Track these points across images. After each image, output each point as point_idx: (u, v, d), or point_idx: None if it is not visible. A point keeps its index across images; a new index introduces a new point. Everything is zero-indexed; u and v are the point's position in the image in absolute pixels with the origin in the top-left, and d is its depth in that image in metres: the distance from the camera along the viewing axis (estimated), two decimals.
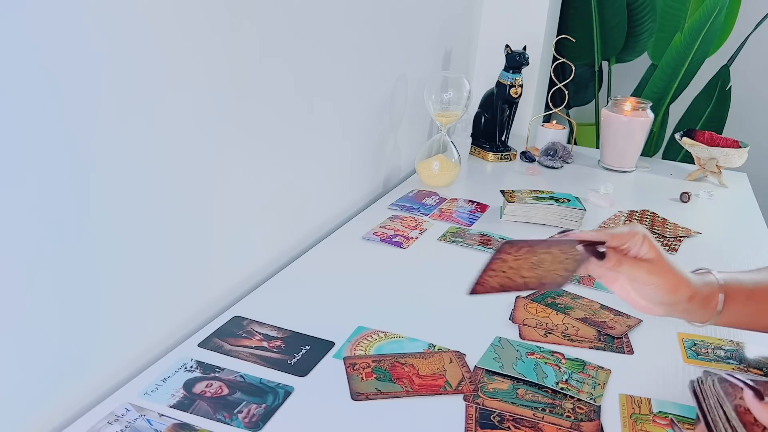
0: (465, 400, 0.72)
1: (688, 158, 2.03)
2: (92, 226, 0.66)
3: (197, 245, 0.84)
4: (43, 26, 0.56)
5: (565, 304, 0.95)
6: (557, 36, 2.03)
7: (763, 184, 2.15)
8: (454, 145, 1.42)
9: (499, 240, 1.16)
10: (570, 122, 1.81)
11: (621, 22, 2.29)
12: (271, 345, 0.81)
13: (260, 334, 0.83)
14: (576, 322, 0.90)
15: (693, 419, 0.71)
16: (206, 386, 0.72)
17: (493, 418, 0.70)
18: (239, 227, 0.93)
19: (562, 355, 0.82)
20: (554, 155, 1.64)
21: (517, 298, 0.95)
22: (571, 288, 1.00)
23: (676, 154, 2.38)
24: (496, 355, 0.80)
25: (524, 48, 1.61)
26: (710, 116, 2.37)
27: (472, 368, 0.78)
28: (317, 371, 0.76)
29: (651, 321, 0.92)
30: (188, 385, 0.72)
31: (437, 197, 1.36)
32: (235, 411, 0.68)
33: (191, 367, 0.75)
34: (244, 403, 0.70)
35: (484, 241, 1.16)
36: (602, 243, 0.70)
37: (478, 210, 1.31)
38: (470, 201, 1.35)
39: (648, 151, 2.43)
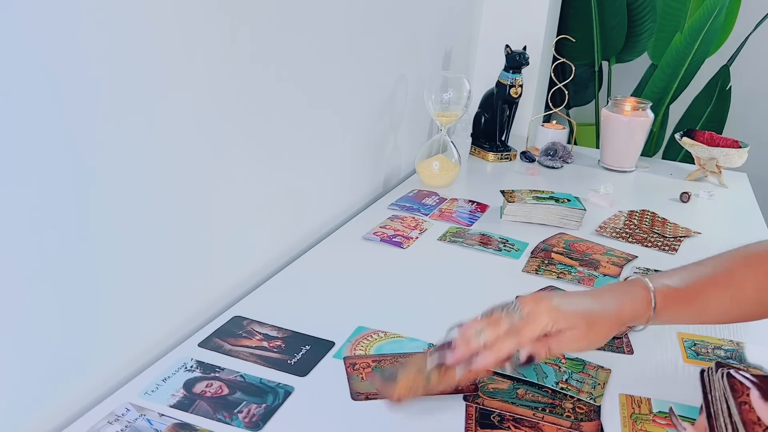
0: (465, 399, 0.72)
1: (688, 158, 2.03)
2: (92, 226, 0.66)
3: (197, 245, 0.84)
4: (43, 27, 0.56)
5: None
6: (557, 36, 2.03)
7: (763, 184, 2.15)
8: (454, 145, 1.42)
9: (499, 240, 1.16)
10: (570, 122, 1.81)
11: (621, 22, 2.29)
12: (271, 345, 0.81)
13: (260, 334, 0.83)
14: None
15: (692, 419, 0.71)
16: (206, 386, 0.72)
17: (493, 418, 0.70)
18: (239, 227, 0.93)
19: (562, 355, 0.82)
20: (554, 155, 1.64)
21: (517, 297, 0.95)
22: (570, 288, 1.00)
23: (676, 154, 2.38)
24: None
25: (524, 48, 1.61)
26: (710, 116, 2.37)
27: None
28: (317, 371, 0.76)
29: None
30: (188, 385, 0.72)
31: (437, 197, 1.36)
32: (235, 411, 0.68)
33: (191, 367, 0.75)
34: (244, 403, 0.70)
35: (484, 241, 1.16)
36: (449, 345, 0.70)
37: (478, 210, 1.31)
38: (470, 201, 1.35)
39: (648, 151, 2.43)
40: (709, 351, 0.86)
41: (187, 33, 0.74)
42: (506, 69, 1.61)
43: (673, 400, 0.75)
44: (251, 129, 0.91)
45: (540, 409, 0.72)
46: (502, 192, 1.29)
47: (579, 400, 0.74)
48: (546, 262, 1.09)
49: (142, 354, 0.78)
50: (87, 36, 0.61)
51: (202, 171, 0.82)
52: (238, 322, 0.85)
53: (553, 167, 1.64)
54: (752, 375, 0.60)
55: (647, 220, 1.32)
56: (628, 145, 1.64)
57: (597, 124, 2.36)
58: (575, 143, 1.82)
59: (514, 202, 1.25)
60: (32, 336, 0.62)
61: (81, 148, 0.63)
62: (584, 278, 1.03)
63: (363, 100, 1.25)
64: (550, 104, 1.98)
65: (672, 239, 1.23)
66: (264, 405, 0.70)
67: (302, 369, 0.76)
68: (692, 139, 1.62)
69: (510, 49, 1.60)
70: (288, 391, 0.72)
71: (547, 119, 1.81)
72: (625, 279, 0.77)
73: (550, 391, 0.75)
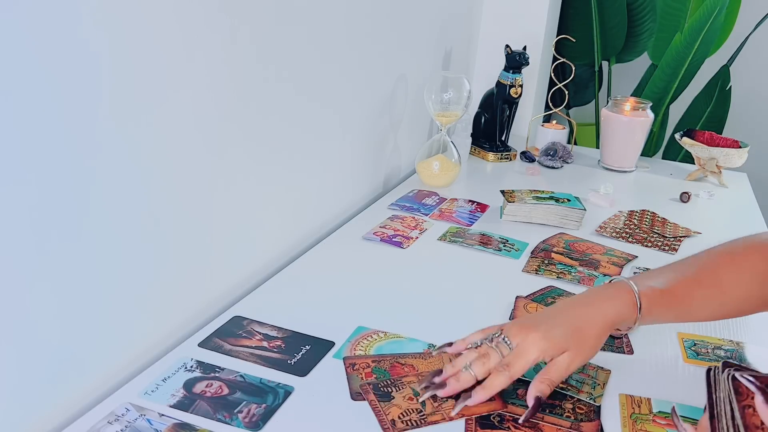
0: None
1: (688, 158, 2.03)
2: (92, 226, 0.66)
3: (197, 245, 0.84)
4: (43, 27, 0.56)
5: None
6: (557, 36, 2.03)
7: (763, 184, 2.15)
8: (454, 145, 1.42)
9: (499, 240, 1.16)
10: (570, 122, 1.81)
11: (621, 22, 2.29)
12: (271, 345, 0.81)
13: (260, 334, 0.83)
14: None
15: (692, 419, 0.71)
16: (206, 386, 0.72)
17: (493, 418, 0.70)
18: (239, 227, 0.93)
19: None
20: (554, 155, 1.64)
21: (517, 298, 0.95)
22: (571, 288, 1.00)
23: (676, 154, 2.38)
24: None
25: (524, 48, 1.61)
26: (710, 116, 2.37)
27: None
28: (317, 371, 0.76)
29: None
30: (188, 385, 0.72)
31: (437, 197, 1.36)
32: (235, 411, 0.68)
33: (191, 367, 0.75)
34: (244, 402, 0.70)
35: (484, 241, 1.16)
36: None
37: (478, 210, 1.31)
38: (470, 201, 1.35)
39: (648, 151, 2.43)
40: (709, 351, 0.86)
41: (187, 33, 0.74)
42: (506, 69, 1.61)
43: (673, 400, 0.75)
44: (251, 129, 0.91)
45: (540, 409, 0.71)
46: (502, 192, 1.29)
47: (579, 400, 0.74)
48: (546, 262, 1.09)
49: (142, 354, 0.78)
50: (87, 36, 0.61)
51: (202, 171, 0.82)
52: (238, 322, 0.85)
53: (553, 167, 1.64)
54: (758, 379, 0.59)
55: (647, 220, 1.32)
56: (628, 145, 1.64)
57: (597, 124, 2.36)
58: (575, 143, 1.82)
59: (514, 202, 1.25)
60: (32, 336, 0.62)
61: (81, 148, 0.63)
62: (584, 278, 1.03)
63: (363, 100, 1.25)
64: (550, 104, 1.98)
65: (672, 239, 1.23)
66: (264, 405, 0.70)
67: (302, 369, 0.76)
68: (692, 139, 1.62)
69: (510, 49, 1.60)
70: (288, 391, 0.72)
71: (547, 119, 1.81)
72: (610, 281, 0.78)
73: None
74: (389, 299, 0.95)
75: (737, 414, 0.59)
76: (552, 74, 1.75)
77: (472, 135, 1.67)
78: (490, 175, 1.58)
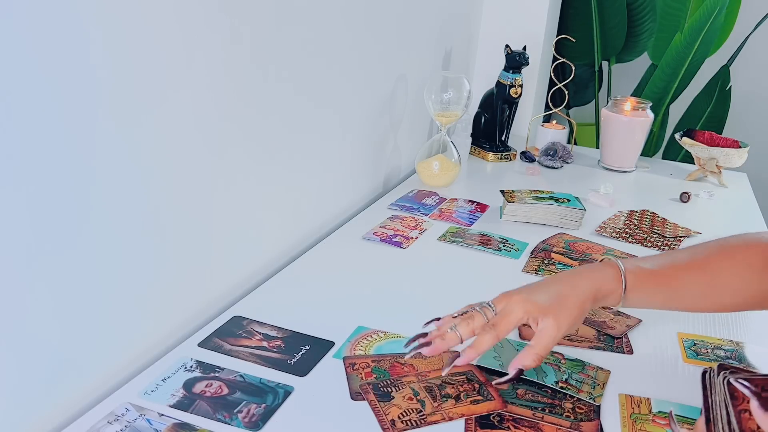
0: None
1: (688, 158, 2.03)
2: (92, 226, 0.66)
3: (197, 245, 0.84)
4: (43, 27, 0.56)
5: None
6: (557, 36, 2.03)
7: (763, 184, 2.15)
8: (454, 145, 1.42)
9: (499, 240, 1.16)
10: (570, 122, 1.81)
11: (621, 22, 2.29)
12: (271, 345, 0.81)
13: (260, 333, 0.83)
14: None
15: (692, 419, 0.71)
16: (206, 386, 0.72)
17: (493, 418, 0.70)
18: (239, 227, 0.93)
19: (562, 355, 0.82)
20: (554, 155, 1.64)
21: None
22: None
23: (676, 154, 2.38)
24: (496, 354, 0.80)
25: (524, 48, 1.61)
26: (710, 116, 2.37)
27: None
28: (317, 371, 0.76)
29: (651, 321, 0.92)
30: (188, 385, 0.72)
31: (437, 197, 1.36)
32: (235, 411, 0.68)
33: (191, 366, 0.75)
34: (244, 402, 0.70)
35: (484, 241, 1.16)
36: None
37: (478, 210, 1.31)
38: (470, 201, 1.35)
39: (648, 151, 2.43)
40: (709, 351, 0.86)
41: (187, 33, 0.74)
42: (506, 69, 1.61)
43: (673, 400, 0.75)
44: (251, 129, 0.91)
45: (540, 409, 0.72)
46: (502, 192, 1.29)
47: (579, 400, 0.74)
48: (546, 262, 1.09)
49: (141, 354, 0.78)
50: (87, 36, 0.61)
51: (202, 171, 0.82)
52: (238, 322, 0.85)
53: (553, 167, 1.64)
54: (752, 382, 0.59)
55: (647, 220, 1.32)
56: (628, 145, 1.64)
57: (597, 124, 2.36)
58: (575, 143, 1.82)
59: (514, 202, 1.25)
60: (32, 336, 0.62)
61: (81, 148, 0.63)
62: None
63: (363, 100, 1.25)
64: (550, 104, 1.98)
65: (672, 239, 1.23)
66: (264, 405, 0.70)
67: (302, 369, 0.76)
68: (692, 139, 1.62)
69: (510, 49, 1.60)
70: (288, 391, 0.72)
71: (547, 119, 1.81)
72: (600, 260, 0.78)
73: (549, 391, 0.75)
74: (389, 299, 0.95)
75: (733, 419, 0.59)
76: (552, 74, 1.75)
77: (472, 135, 1.67)
78: (490, 175, 1.58)
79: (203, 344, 0.80)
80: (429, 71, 1.53)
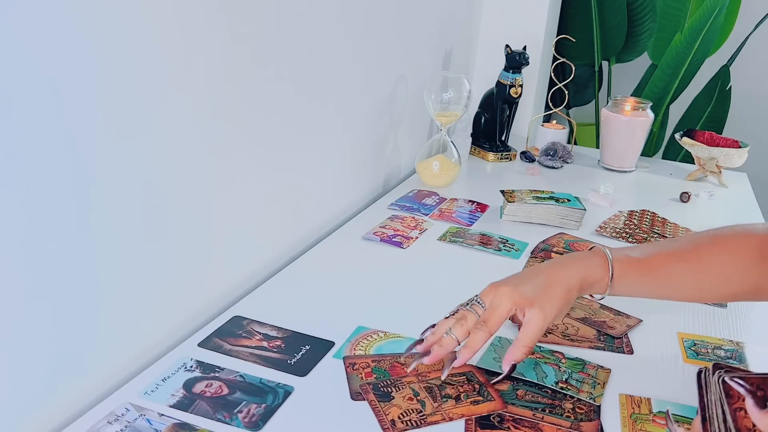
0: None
1: (688, 158, 2.03)
2: (92, 226, 0.66)
3: (197, 245, 0.84)
4: (43, 27, 0.56)
5: None
6: (557, 36, 2.03)
7: (763, 184, 2.15)
8: (454, 145, 1.42)
9: (499, 240, 1.16)
10: (570, 122, 1.81)
11: (621, 22, 2.29)
12: (271, 345, 0.81)
13: (260, 333, 0.83)
14: (576, 322, 0.90)
15: (691, 419, 0.71)
16: (206, 386, 0.72)
17: (493, 418, 0.70)
18: (239, 227, 0.93)
19: (562, 354, 0.82)
20: (554, 155, 1.64)
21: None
22: None
23: (676, 154, 2.38)
24: (496, 355, 0.80)
25: (524, 48, 1.61)
26: (710, 116, 2.37)
27: None
28: (317, 371, 0.76)
29: (651, 321, 0.92)
30: (188, 385, 0.72)
31: (437, 197, 1.36)
32: (235, 411, 0.68)
33: (191, 366, 0.75)
34: (244, 402, 0.70)
35: (484, 241, 1.16)
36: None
37: (478, 210, 1.31)
38: (470, 201, 1.35)
39: (648, 151, 2.43)
40: (709, 351, 0.86)
41: (187, 33, 0.74)
42: (506, 69, 1.61)
43: (673, 400, 0.75)
44: (251, 129, 0.91)
45: (540, 409, 0.72)
46: (502, 192, 1.29)
47: (579, 400, 0.74)
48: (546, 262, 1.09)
49: (141, 354, 0.78)
50: (87, 36, 0.61)
51: (202, 171, 0.82)
52: (238, 322, 0.85)
53: (553, 167, 1.64)
54: (747, 381, 0.59)
55: (647, 220, 1.32)
56: (628, 145, 1.64)
57: (597, 124, 2.36)
58: (575, 143, 1.82)
59: (514, 202, 1.25)
60: (32, 336, 0.62)
61: (81, 148, 0.63)
62: None
63: (363, 100, 1.25)
64: (550, 104, 1.98)
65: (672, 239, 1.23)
66: (264, 405, 0.70)
67: (302, 369, 0.76)
68: (692, 139, 1.62)
69: (510, 49, 1.60)
70: (288, 391, 0.72)
71: (547, 119, 1.81)
72: (590, 249, 0.78)
73: (549, 392, 0.74)
74: (389, 299, 0.95)
75: (729, 417, 0.59)
76: (552, 74, 1.75)
77: (472, 135, 1.67)
78: (490, 175, 1.58)
79: (203, 344, 0.80)
80: (429, 71, 1.53)
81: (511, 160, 1.68)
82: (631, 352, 0.85)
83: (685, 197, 1.46)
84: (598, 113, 2.40)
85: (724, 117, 2.37)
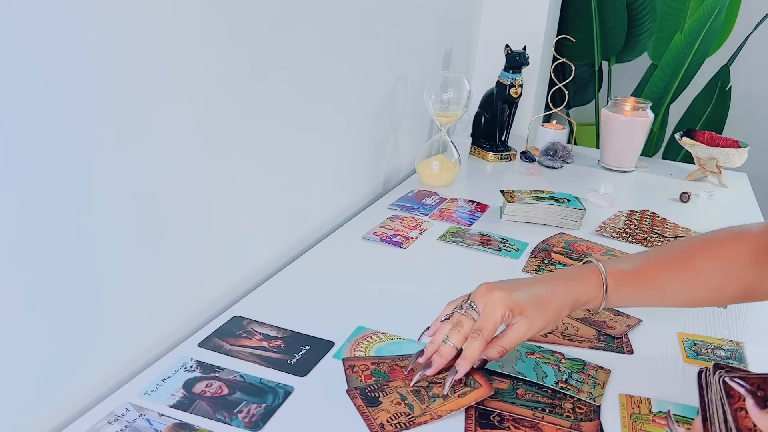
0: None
1: (688, 158, 2.03)
2: (92, 226, 0.66)
3: (197, 245, 0.84)
4: (43, 28, 0.56)
5: None
6: (557, 36, 2.03)
7: (763, 184, 2.15)
8: (454, 145, 1.42)
9: (499, 240, 1.16)
10: (570, 122, 1.81)
11: (621, 22, 2.29)
12: (271, 345, 0.81)
13: (260, 334, 0.83)
14: (576, 322, 0.90)
15: (691, 419, 0.71)
16: (206, 386, 0.72)
17: (493, 418, 0.70)
18: (239, 227, 0.93)
19: (562, 354, 0.82)
20: (554, 155, 1.64)
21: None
22: None
23: (676, 154, 2.38)
24: None
25: (524, 48, 1.61)
26: (710, 116, 2.37)
27: None
28: (317, 371, 0.76)
29: (651, 321, 0.92)
30: (188, 385, 0.72)
31: (437, 197, 1.36)
32: (235, 411, 0.68)
33: (191, 367, 0.75)
34: (244, 402, 0.70)
35: (484, 241, 1.16)
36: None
37: (478, 210, 1.31)
38: (470, 201, 1.35)
39: (648, 151, 2.43)
40: (709, 351, 0.86)
41: (186, 33, 0.74)
42: (506, 69, 1.61)
43: (673, 400, 0.75)
44: (251, 129, 0.91)
45: (540, 409, 0.72)
46: (502, 192, 1.29)
47: (579, 400, 0.74)
48: (546, 262, 1.09)
49: (141, 354, 0.78)
50: (87, 37, 0.61)
51: (202, 171, 0.82)
52: (238, 322, 0.85)
53: (553, 167, 1.64)
54: (748, 381, 0.59)
55: (647, 220, 1.32)
56: (628, 145, 1.64)
57: (597, 124, 2.36)
58: (575, 143, 1.82)
59: (514, 202, 1.25)
60: (32, 336, 0.62)
61: (80, 149, 0.63)
62: None
63: (363, 100, 1.25)
64: (550, 104, 1.98)
65: (672, 239, 1.23)
66: (264, 405, 0.70)
67: (302, 369, 0.76)
68: (692, 139, 1.62)
69: (510, 49, 1.60)
70: (288, 391, 0.72)
71: (547, 119, 1.81)
72: (583, 262, 0.79)
73: (549, 391, 0.74)
74: (389, 299, 0.95)
75: (729, 417, 0.59)
76: (552, 74, 1.75)
77: (472, 135, 1.67)
78: (490, 175, 1.58)
79: (203, 344, 0.80)
80: (429, 71, 1.53)
81: (511, 160, 1.68)
82: (631, 352, 0.85)
83: (685, 197, 1.46)
84: (598, 113, 2.40)
85: (724, 117, 2.37)
